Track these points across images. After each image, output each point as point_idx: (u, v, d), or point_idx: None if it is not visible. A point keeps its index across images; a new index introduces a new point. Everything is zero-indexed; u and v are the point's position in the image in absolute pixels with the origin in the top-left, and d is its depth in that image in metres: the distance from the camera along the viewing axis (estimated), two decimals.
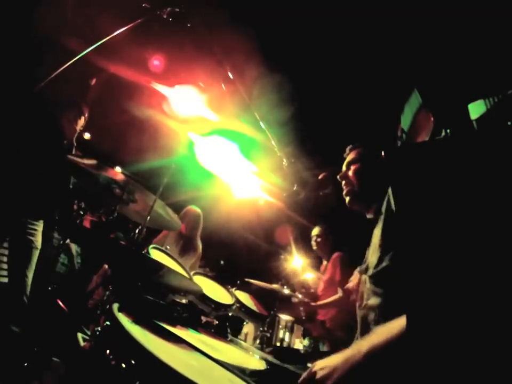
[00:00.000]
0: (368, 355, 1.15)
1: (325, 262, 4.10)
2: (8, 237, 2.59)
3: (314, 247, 4.12)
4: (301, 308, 3.59)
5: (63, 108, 2.88)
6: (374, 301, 1.38)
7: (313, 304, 3.58)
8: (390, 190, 1.34)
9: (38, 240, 2.66)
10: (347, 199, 1.71)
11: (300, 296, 3.48)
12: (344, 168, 1.78)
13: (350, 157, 1.77)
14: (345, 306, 3.24)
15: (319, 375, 1.22)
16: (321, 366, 1.24)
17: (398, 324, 1.11)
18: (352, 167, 1.71)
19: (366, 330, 1.41)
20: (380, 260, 1.37)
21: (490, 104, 1.12)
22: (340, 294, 3.46)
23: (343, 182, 1.74)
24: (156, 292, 2.19)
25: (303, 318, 3.61)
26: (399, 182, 0.79)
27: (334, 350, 1.45)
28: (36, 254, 2.62)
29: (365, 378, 1.25)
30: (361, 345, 1.19)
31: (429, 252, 0.71)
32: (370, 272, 1.43)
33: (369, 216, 1.69)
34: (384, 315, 1.31)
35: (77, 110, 2.89)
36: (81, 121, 2.95)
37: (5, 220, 2.56)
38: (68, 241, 3.19)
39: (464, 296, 0.67)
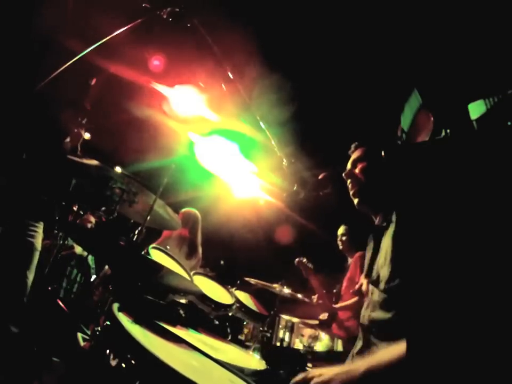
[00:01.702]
0: (366, 374, 1.13)
1: (349, 260, 4.15)
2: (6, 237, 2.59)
3: (340, 246, 4.18)
4: (324, 313, 3.65)
5: (63, 108, 2.88)
6: (378, 314, 1.35)
7: (334, 306, 3.65)
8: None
9: (39, 242, 2.66)
10: (356, 200, 1.62)
11: (314, 298, 3.54)
12: (349, 166, 1.68)
13: (356, 154, 1.67)
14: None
15: (315, 381, 1.20)
16: (319, 373, 1.22)
17: (399, 348, 1.10)
18: (359, 166, 1.61)
19: (366, 341, 1.41)
20: (392, 275, 1.32)
21: (490, 104, 1.11)
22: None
23: (349, 181, 1.64)
24: (156, 292, 2.19)
25: (325, 319, 3.65)
26: (399, 182, 0.79)
27: (349, 349, 1.43)
28: (37, 255, 2.62)
29: None
30: (361, 364, 1.18)
31: (430, 259, 0.71)
32: (382, 286, 1.36)
33: (377, 222, 1.61)
34: (385, 331, 1.29)
35: (81, 113, 2.88)
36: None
37: (5, 221, 2.56)
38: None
39: (465, 326, 0.66)
